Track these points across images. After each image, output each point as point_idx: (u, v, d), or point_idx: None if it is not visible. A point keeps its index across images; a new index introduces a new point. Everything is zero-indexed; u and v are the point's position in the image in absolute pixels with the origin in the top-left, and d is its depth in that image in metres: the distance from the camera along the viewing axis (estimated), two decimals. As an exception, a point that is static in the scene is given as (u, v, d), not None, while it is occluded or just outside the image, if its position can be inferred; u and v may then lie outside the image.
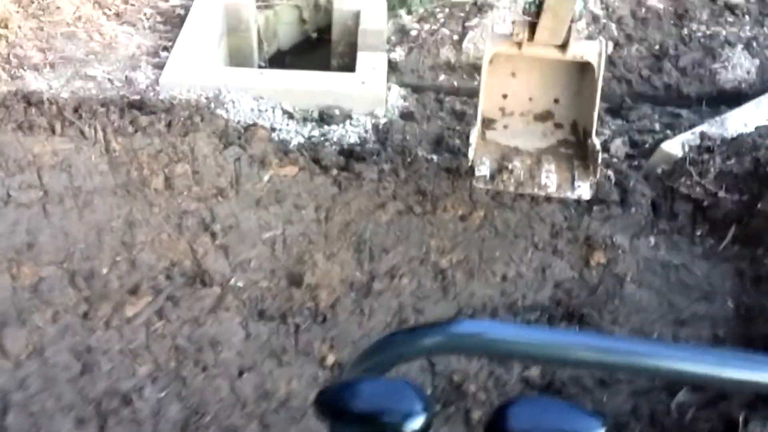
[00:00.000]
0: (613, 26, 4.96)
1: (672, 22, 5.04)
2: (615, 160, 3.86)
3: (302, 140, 3.88)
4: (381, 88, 4.24)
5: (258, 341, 3.07)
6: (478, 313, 3.22)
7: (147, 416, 2.82)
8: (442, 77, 4.69)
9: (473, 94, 3.71)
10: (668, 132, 4.09)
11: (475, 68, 4.44)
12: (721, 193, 3.54)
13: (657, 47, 4.85)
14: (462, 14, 5.07)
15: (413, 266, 3.36)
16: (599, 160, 3.28)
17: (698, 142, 3.81)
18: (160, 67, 4.26)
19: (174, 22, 4.68)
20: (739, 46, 4.81)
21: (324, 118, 4.07)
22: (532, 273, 3.36)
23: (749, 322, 3.16)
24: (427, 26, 4.99)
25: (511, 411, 0.97)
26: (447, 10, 5.12)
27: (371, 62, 4.40)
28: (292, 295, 3.23)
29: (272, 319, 3.16)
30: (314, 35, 5.44)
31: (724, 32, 4.95)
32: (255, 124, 3.89)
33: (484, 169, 3.34)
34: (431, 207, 3.57)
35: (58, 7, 4.56)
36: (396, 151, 3.80)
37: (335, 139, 3.92)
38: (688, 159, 3.69)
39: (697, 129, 3.92)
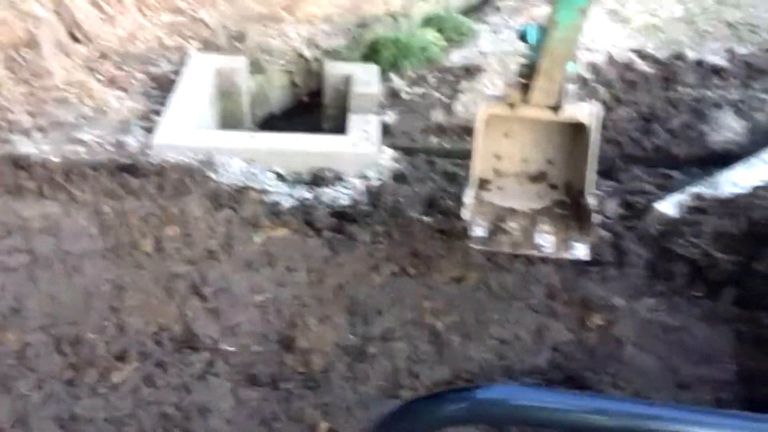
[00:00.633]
0: (602, 89, 5.02)
1: (660, 85, 5.11)
2: (609, 220, 3.85)
3: (294, 202, 3.86)
4: (373, 151, 4.24)
5: (248, 408, 2.97)
6: (475, 378, 3.14)
7: (133, 489, 2.71)
8: (433, 139, 4.70)
9: (465, 156, 3.72)
10: (660, 193, 4.09)
11: (466, 130, 4.45)
12: (717, 254, 3.51)
13: (646, 110, 4.90)
14: (452, 78, 5.14)
15: (408, 329, 3.29)
16: (593, 220, 3.26)
17: (691, 202, 3.81)
18: (151, 130, 4.24)
19: (166, 87, 4.69)
20: (727, 108, 4.87)
21: (316, 180, 4.06)
22: (529, 335, 3.29)
23: (752, 385, 3.10)
24: (418, 89, 5.03)
25: None
26: (438, 73, 5.18)
27: (363, 125, 4.41)
28: (284, 359, 3.15)
29: (263, 384, 3.06)
30: (306, 99, 5.47)
31: (711, 95, 5.02)
32: (246, 187, 3.87)
33: (479, 230, 3.33)
34: (425, 268, 3.53)
35: (50, 72, 4.55)
36: (389, 213, 3.78)
37: (327, 202, 3.89)
38: (682, 219, 3.67)
39: (690, 189, 3.93)
